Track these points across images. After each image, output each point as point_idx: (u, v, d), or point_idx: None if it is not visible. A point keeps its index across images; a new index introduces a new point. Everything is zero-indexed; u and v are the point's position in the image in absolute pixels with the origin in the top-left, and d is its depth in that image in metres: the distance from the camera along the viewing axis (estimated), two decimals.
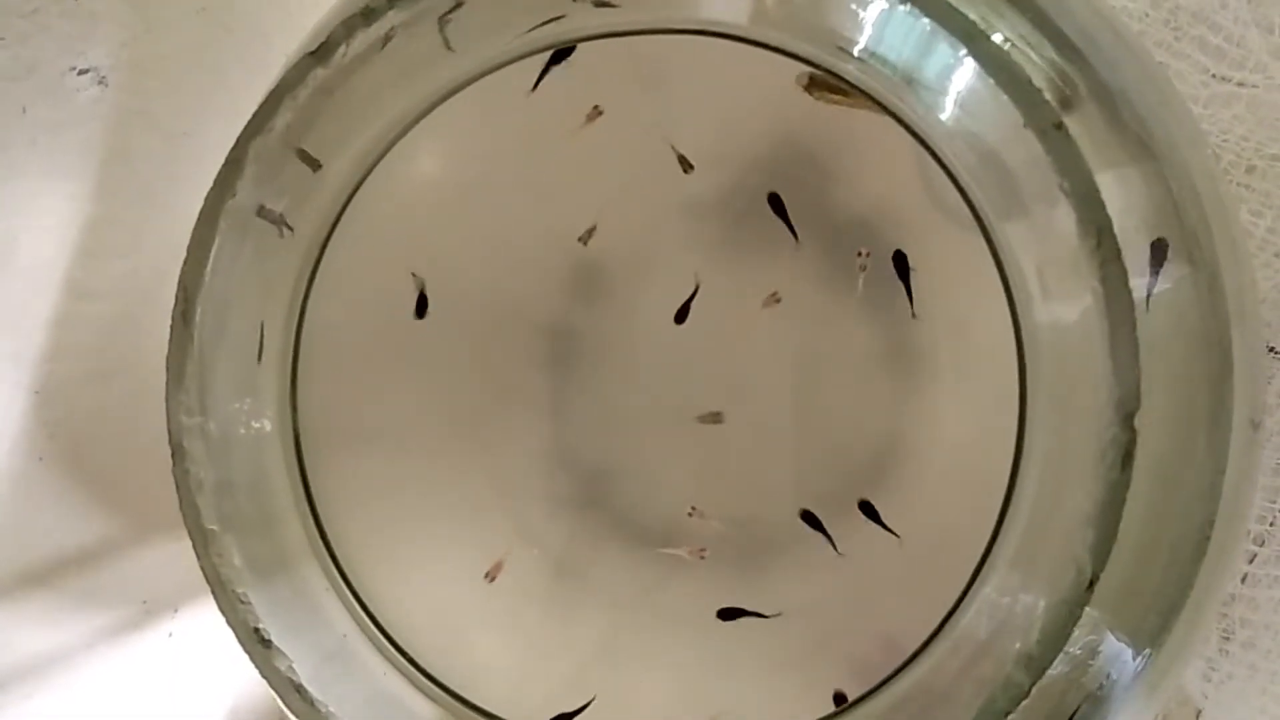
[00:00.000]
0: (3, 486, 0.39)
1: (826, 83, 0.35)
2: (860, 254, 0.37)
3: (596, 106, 0.37)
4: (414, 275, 0.38)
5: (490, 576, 0.39)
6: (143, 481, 0.43)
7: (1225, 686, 0.43)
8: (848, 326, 0.37)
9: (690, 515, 0.38)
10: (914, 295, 0.36)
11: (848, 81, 0.35)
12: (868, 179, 0.36)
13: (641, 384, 0.39)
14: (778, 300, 0.37)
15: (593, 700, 0.38)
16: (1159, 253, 0.28)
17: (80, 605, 0.44)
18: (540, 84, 0.36)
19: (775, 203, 0.37)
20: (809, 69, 0.35)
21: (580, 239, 0.38)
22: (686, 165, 0.37)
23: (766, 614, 0.38)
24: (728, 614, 0.38)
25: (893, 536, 0.37)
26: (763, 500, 0.38)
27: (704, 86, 0.36)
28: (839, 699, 0.37)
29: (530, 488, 0.39)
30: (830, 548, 0.38)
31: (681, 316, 0.38)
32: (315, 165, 0.34)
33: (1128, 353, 0.27)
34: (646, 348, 0.38)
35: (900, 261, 0.36)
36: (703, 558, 0.38)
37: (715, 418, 0.38)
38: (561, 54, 0.36)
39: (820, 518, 0.38)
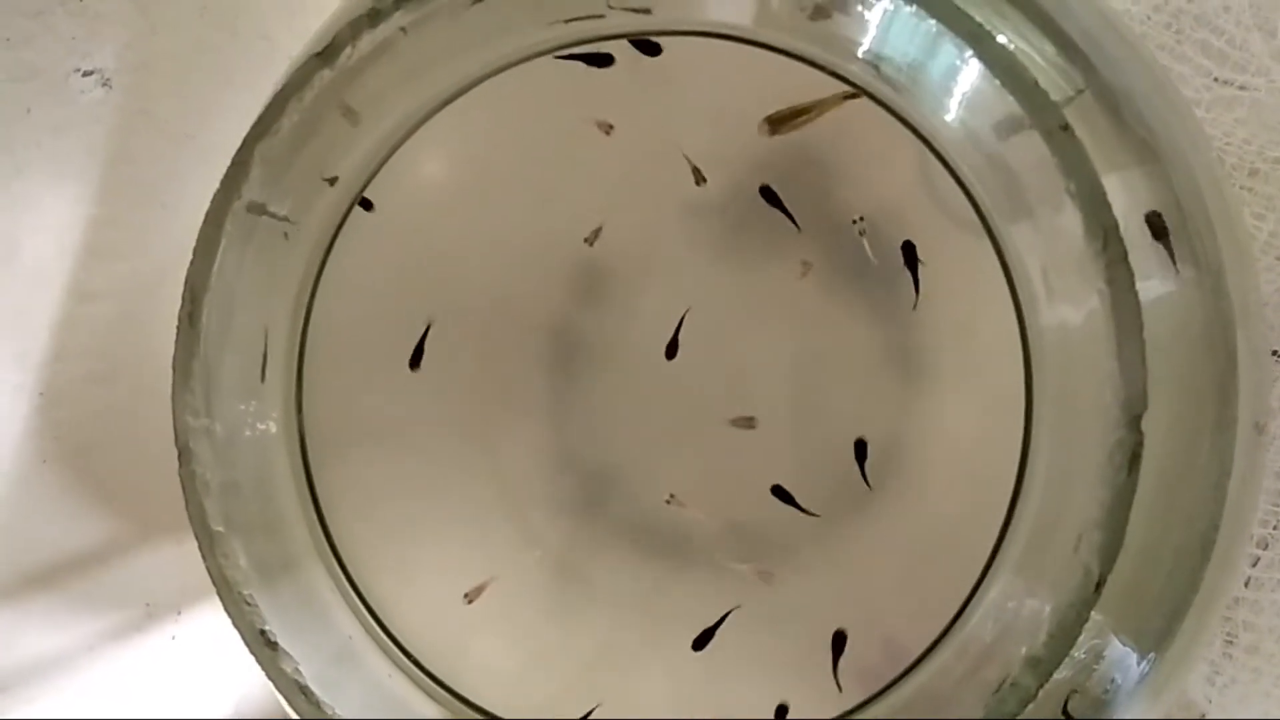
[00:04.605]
0: (7, 488, 0.39)
1: (784, 115, 0.35)
2: (856, 220, 0.36)
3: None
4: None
5: (469, 599, 0.39)
6: (147, 484, 0.43)
7: (1229, 690, 0.43)
8: (851, 328, 0.37)
9: (669, 503, 0.38)
10: (920, 292, 0.36)
11: (804, 108, 0.35)
12: (872, 181, 0.36)
13: (644, 386, 0.39)
14: (805, 272, 0.37)
15: (596, 708, 0.38)
16: (1157, 230, 0.28)
17: (83, 607, 0.44)
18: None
19: (768, 195, 0.37)
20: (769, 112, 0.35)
21: (585, 240, 0.38)
22: (699, 177, 0.37)
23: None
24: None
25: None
26: (765, 502, 0.38)
27: (708, 88, 0.36)
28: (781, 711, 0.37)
29: (533, 490, 0.39)
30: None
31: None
32: (355, 119, 0.34)
33: (1135, 354, 0.27)
34: (649, 350, 0.38)
35: (909, 252, 0.36)
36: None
37: (718, 420, 0.38)
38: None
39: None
